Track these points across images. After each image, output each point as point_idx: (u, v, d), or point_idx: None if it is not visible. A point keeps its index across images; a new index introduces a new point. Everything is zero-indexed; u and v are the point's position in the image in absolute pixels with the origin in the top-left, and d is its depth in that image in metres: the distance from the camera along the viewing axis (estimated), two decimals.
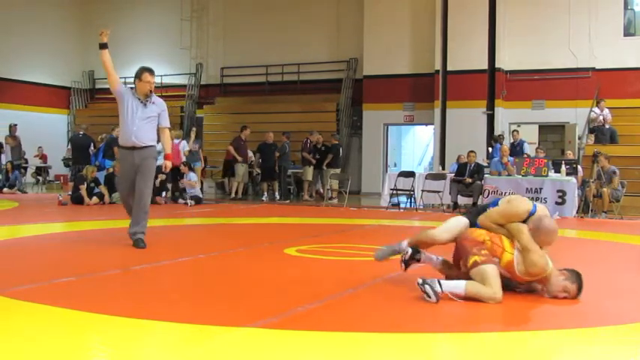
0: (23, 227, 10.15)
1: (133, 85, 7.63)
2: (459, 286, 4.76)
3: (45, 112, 25.49)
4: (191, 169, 15.59)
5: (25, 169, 20.54)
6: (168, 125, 7.85)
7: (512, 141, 17.04)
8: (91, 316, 4.28)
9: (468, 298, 4.71)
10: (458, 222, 5.28)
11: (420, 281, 4.74)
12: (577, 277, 4.96)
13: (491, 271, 4.78)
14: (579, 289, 4.92)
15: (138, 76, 7.53)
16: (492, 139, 17.86)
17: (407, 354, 3.77)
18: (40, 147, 22.27)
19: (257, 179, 19.10)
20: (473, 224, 5.22)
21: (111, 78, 7.47)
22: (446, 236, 5.25)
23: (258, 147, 18.07)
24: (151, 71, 7.56)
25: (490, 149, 17.10)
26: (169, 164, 7.91)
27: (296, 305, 4.66)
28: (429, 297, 4.66)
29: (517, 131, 17.22)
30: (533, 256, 4.83)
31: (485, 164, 15.84)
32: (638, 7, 19.34)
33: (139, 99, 7.49)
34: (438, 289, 4.68)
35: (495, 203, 5.29)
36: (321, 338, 3.96)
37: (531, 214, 5.05)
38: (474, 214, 5.35)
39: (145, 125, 7.52)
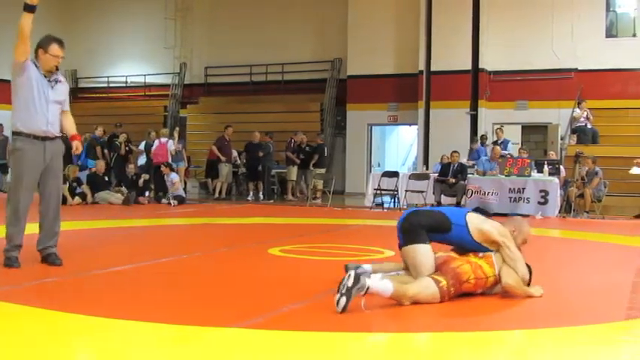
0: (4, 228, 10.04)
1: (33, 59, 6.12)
2: (387, 288, 4.55)
3: None
4: (172, 169, 15.53)
5: (7, 168, 20.36)
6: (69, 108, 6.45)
7: (495, 139, 17.13)
8: (74, 317, 4.25)
9: (393, 299, 4.61)
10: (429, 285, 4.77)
11: (346, 287, 4.39)
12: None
13: (428, 280, 4.75)
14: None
15: (43, 46, 6.02)
16: (481, 138, 18.03)
17: (391, 354, 3.78)
18: None
19: (242, 179, 19.07)
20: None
21: (24, 47, 5.88)
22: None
23: (245, 146, 18.05)
24: (61, 43, 6.12)
25: (475, 147, 17.12)
26: (79, 145, 6.41)
27: (281, 305, 4.66)
28: (337, 307, 4.36)
29: (501, 130, 17.32)
30: (521, 267, 4.97)
31: (470, 165, 15.90)
32: (620, 9, 19.53)
33: (44, 76, 6.06)
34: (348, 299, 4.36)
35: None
36: (307, 338, 3.96)
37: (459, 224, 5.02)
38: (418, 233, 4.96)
39: (56, 111, 6.16)
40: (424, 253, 4.88)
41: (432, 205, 14.79)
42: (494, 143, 16.54)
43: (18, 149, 6.03)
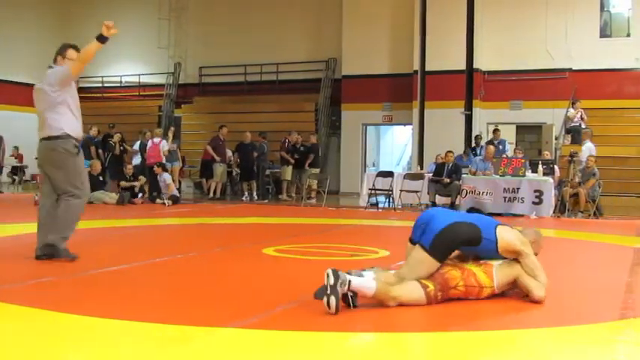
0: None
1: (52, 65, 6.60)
2: (369, 286, 4.53)
3: (23, 112, 25.18)
4: (165, 170, 15.51)
5: (1, 168, 20.33)
6: None
7: (490, 138, 17.17)
8: (70, 317, 4.24)
9: (376, 299, 4.57)
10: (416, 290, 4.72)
11: (328, 290, 4.39)
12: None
13: (415, 284, 4.70)
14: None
15: (61, 53, 6.56)
16: (475, 138, 18.08)
17: (387, 353, 3.78)
18: (15, 147, 22.04)
19: (236, 179, 19.08)
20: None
21: (84, 66, 6.50)
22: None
23: (237, 147, 18.08)
24: (76, 48, 6.58)
25: (466, 157, 17.11)
26: None
27: (275, 305, 4.66)
28: (330, 308, 4.38)
29: (498, 130, 17.35)
30: (543, 276, 4.96)
31: (465, 160, 15.94)
32: (614, 9, 19.59)
33: None
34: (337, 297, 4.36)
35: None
36: (301, 338, 3.96)
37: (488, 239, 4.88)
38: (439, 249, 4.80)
39: None
40: (430, 266, 4.77)
41: (427, 206, 14.80)
42: (490, 143, 16.57)
43: (79, 152, 6.58)
